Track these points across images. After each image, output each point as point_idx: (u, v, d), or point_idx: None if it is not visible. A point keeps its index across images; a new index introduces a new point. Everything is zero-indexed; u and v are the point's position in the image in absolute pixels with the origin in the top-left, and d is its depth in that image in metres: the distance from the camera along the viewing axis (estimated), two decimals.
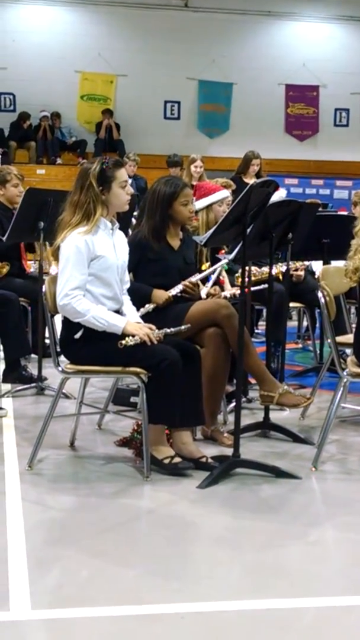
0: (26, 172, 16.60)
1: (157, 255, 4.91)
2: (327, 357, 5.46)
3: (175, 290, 4.90)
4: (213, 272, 5.34)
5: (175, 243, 5.01)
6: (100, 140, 17.79)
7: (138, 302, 4.75)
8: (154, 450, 4.42)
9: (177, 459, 4.41)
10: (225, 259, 5.51)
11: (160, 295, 4.88)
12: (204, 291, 5.23)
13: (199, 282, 5.20)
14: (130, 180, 4.71)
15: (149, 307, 4.82)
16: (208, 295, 4.95)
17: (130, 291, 4.73)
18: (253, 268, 6.22)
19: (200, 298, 5.04)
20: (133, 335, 4.30)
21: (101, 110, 18.17)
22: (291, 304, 6.86)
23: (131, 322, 4.41)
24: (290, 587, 3.17)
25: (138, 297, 4.79)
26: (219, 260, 5.66)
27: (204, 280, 5.32)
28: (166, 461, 4.39)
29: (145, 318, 4.64)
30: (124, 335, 4.31)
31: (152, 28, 18.28)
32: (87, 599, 3.02)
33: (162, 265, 4.91)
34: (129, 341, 4.26)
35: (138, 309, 4.70)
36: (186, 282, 4.95)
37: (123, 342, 4.26)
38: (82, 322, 4.36)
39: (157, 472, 4.37)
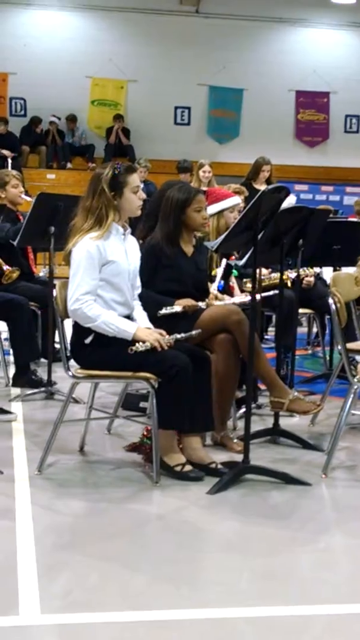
0: (37, 177, 16.83)
1: (171, 262, 4.90)
2: (337, 364, 5.45)
3: (202, 304, 4.88)
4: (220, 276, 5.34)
5: (188, 249, 5.01)
6: (110, 146, 17.83)
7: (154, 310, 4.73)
8: (165, 456, 4.41)
9: (189, 467, 4.41)
10: (224, 262, 5.50)
11: (185, 302, 4.84)
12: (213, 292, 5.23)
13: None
14: (141, 185, 4.69)
15: (177, 308, 4.77)
16: (208, 305, 4.91)
17: (150, 303, 4.71)
18: (264, 271, 6.22)
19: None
20: (143, 341, 4.29)
21: (112, 115, 18.23)
22: (301, 310, 6.86)
23: (142, 328, 4.41)
24: (300, 594, 3.16)
25: (160, 308, 4.76)
26: (230, 266, 5.66)
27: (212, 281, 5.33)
28: (177, 468, 4.39)
29: (156, 323, 4.63)
30: (134, 341, 4.31)
31: (163, 34, 18.33)
32: (96, 604, 3.01)
33: (176, 271, 4.90)
34: (139, 347, 4.26)
35: (156, 321, 4.68)
36: (208, 301, 4.93)
37: (133, 347, 4.26)
38: (92, 327, 4.36)
39: (167, 478, 4.36)
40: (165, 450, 4.42)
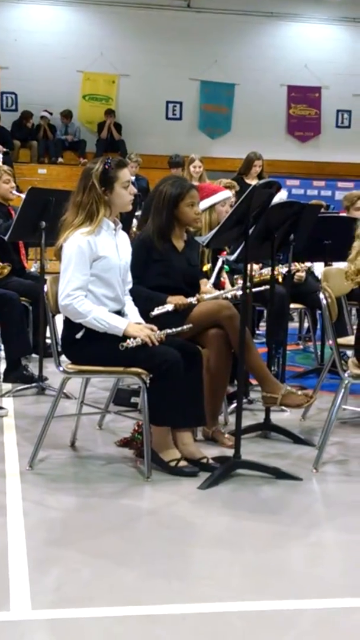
0: (28, 172, 16.79)
1: (162, 256, 4.89)
2: (328, 359, 5.46)
3: (193, 299, 4.87)
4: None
5: (179, 244, 5.00)
6: (101, 141, 17.80)
7: (151, 309, 4.72)
8: (159, 452, 4.41)
9: (183, 462, 4.41)
10: (220, 261, 5.49)
11: (177, 299, 4.83)
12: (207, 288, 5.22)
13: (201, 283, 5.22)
14: (132, 179, 4.69)
15: (168, 307, 4.77)
16: (199, 300, 4.90)
17: (141, 298, 4.71)
18: (255, 267, 6.22)
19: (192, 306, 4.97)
20: (134, 337, 4.29)
21: (103, 110, 18.19)
22: (292, 305, 6.86)
23: (132, 324, 4.40)
24: (291, 588, 3.17)
25: (152, 304, 4.75)
26: (221, 261, 5.65)
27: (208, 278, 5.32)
28: (172, 464, 4.39)
29: (147, 318, 4.62)
30: (125, 337, 4.31)
31: (154, 28, 18.31)
32: (88, 599, 3.01)
33: (166, 266, 4.90)
34: (131, 343, 4.26)
35: (147, 316, 4.68)
36: (198, 297, 4.92)
37: (124, 344, 4.25)
38: (83, 323, 4.35)
39: (158, 473, 4.36)
40: (160, 446, 4.42)
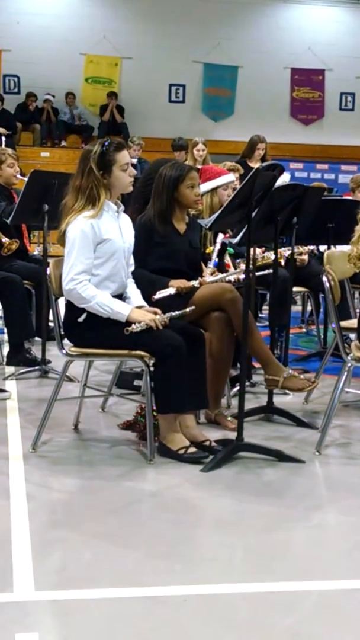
0: (30, 155, 16.75)
1: (163, 239, 4.89)
2: (331, 342, 5.45)
3: (195, 282, 4.87)
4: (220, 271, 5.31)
5: (181, 227, 4.99)
6: (104, 123, 17.75)
7: (153, 293, 4.72)
8: (167, 440, 4.40)
9: (193, 449, 4.39)
10: (220, 240, 5.47)
11: (179, 283, 4.83)
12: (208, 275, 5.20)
13: (203, 266, 5.21)
14: (134, 161, 4.69)
15: (170, 290, 4.76)
16: (201, 284, 4.90)
17: (144, 282, 4.70)
18: (257, 251, 6.20)
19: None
20: (139, 322, 4.29)
21: (106, 92, 18.13)
22: (295, 289, 6.86)
23: (136, 309, 4.39)
24: (293, 570, 3.18)
25: (154, 288, 4.76)
26: (224, 244, 5.64)
27: (206, 263, 5.31)
28: (181, 451, 4.37)
29: (150, 301, 4.62)
30: (128, 322, 4.30)
31: (157, 10, 18.22)
32: (90, 581, 3.03)
33: (169, 248, 4.90)
34: (135, 327, 4.26)
35: (150, 299, 4.67)
36: (201, 280, 4.92)
37: (129, 328, 4.25)
38: (86, 307, 4.34)
39: (161, 455, 4.37)
40: (167, 436, 4.41)
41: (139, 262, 4.75)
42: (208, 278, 4.98)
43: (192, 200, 4.93)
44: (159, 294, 4.72)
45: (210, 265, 5.32)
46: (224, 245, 5.63)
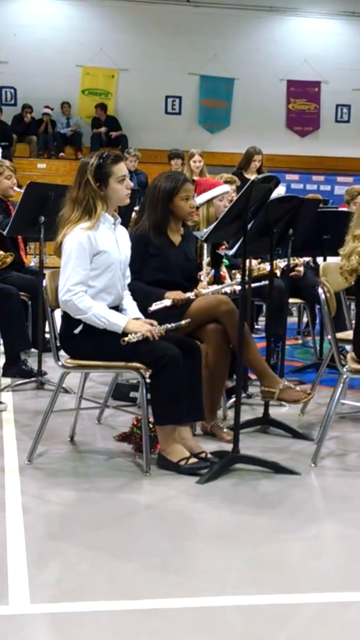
0: (27, 166, 16.77)
1: (158, 251, 4.90)
2: (327, 353, 5.46)
3: (191, 294, 4.87)
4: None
5: (176, 238, 5.00)
6: (96, 136, 17.74)
7: (149, 305, 4.73)
8: (167, 452, 4.39)
9: (193, 460, 4.38)
10: (206, 249, 5.47)
11: (175, 294, 4.84)
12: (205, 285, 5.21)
13: (200, 278, 5.22)
14: (129, 174, 4.68)
15: (165, 302, 4.77)
16: (197, 295, 4.91)
17: (139, 294, 4.71)
18: (253, 262, 6.21)
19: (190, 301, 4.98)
20: (135, 332, 4.29)
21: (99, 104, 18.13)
22: (291, 300, 6.86)
23: (132, 320, 4.40)
24: (289, 582, 3.18)
25: (150, 300, 4.76)
26: (219, 255, 5.65)
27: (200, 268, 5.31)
28: (182, 463, 4.37)
29: (147, 314, 4.63)
30: (124, 333, 4.31)
31: (153, 23, 18.27)
32: (86, 594, 3.02)
33: (164, 260, 4.91)
34: (132, 338, 4.26)
35: (146, 311, 4.67)
36: (196, 292, 4.92)
37: (126, 339, 4.25)
38: (83, 319, 4.35)
39: (157, 467, 4.37)
40: (166, 447, 4.40)
41: (135, 274, 4.75)
42: (204, 290, 4.98)
43: (187, 212, 4.94)
44: (155, 306, 4.73)
45: (209, 273, 5.32)
46: (219, 257, 5.64)
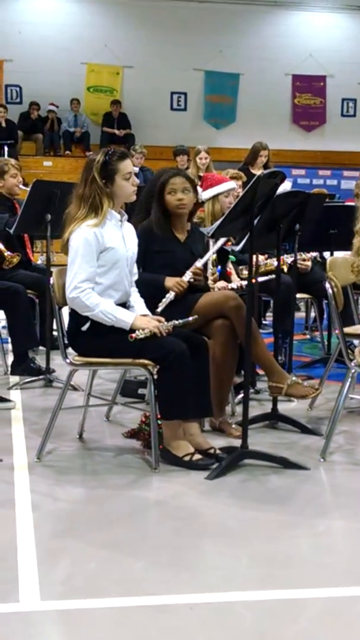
0: (33, 164, 16.79)
1: (163, 247, 4.91)
2: (335, 348, 5.45)
3: (187, 276, 4.88)
4: (213, 253, 5.30)
5: (181, 235, 5.00)
6: (106, 134, 17.75)
7: (152, 293, 4.74)
8: (171, 447, 4.40)
9: (197, 456, 4.38)
10: (221, 242, 5.46)
11: (174, 281, 4.85)
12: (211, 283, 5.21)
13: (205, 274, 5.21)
14: (136, 170, 4.71)
15: (169, 296, 4.78)
16: (195, 279, 4.91)
17: (140, 283, 4.71)
18: (260, 258, 6.21)
19: (207, 285, 5.00)
20: (143, 329, 4.29)
21: (108, 101, 18.18)
22: (299, 295, 6.85)
23: (139, 317, 4.40)
24: (299, 577, 3.18)
25: (151, 287, 4.77)
26: (226, 251, 5.65)
27: (206, 267, 5.31)
28: (186, 458, 4.37)
29: (153, 306, 4.63)
30: (132, 329, 4.31)
31: (158, 19, 18.27)
32: (96, 590, 3.02)
33: (169, 257, 4.91)
34: (140, 334, 4.26)
35: (150, 301, 4.67)
36: (193, 269, 4.92)
37: (133, 335, 4.25)
38: (90, 316, 4.35)
39: (166, 464, 4.37)
40: (171, 442, 4.41)
41: (140, 268, 4.75)
42: (217, 285, 4.97)
43: (174, 205, 4.92)
44: (161, 306, 4.73)
45: (213, 270, 5.32)
46: (226, 253, 5.64)
